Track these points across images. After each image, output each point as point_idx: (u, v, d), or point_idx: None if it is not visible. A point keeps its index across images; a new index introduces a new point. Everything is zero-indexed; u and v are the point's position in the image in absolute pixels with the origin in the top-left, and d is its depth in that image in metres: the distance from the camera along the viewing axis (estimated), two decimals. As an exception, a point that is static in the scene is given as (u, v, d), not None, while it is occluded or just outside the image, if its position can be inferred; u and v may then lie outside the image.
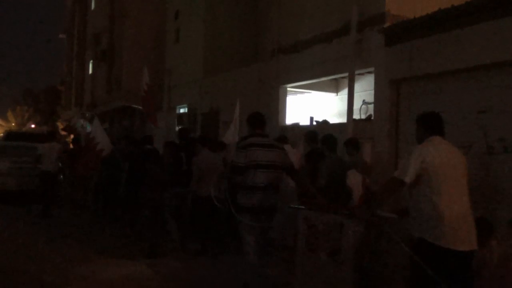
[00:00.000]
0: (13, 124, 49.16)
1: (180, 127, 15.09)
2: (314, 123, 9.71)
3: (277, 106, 10.82)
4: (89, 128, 10.57)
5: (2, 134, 20.97)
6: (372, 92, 8.35)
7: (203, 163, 6.63)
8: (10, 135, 16.97)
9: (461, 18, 6.50)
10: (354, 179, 5.29)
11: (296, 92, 11.22)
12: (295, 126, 10.45)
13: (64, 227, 8.75)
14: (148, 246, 6.75)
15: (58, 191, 11.07)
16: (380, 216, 3.65)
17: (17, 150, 12.35)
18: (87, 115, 18.81)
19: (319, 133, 6.89)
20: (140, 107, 19.24)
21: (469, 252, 3.27)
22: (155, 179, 6.98)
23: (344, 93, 9.94)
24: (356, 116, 8.82)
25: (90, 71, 26.95)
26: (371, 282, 4.15)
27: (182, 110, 15.81)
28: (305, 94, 11.35)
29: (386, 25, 7.81)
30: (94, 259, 6.34)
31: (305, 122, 10.39)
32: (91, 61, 26.57)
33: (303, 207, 4.06)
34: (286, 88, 10.82)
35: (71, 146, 12.43)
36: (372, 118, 8.40)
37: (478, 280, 3.45)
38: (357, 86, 8.69)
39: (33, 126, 48.68)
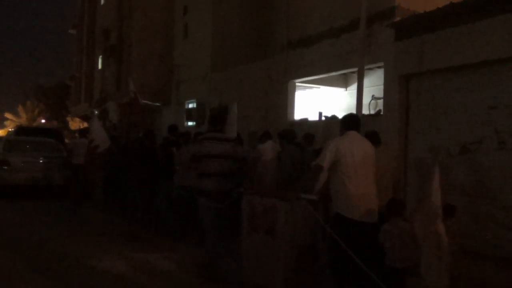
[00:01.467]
0: (23, 119, 49.56)
1: (187, 122, 15.15)
2: (323, 118, 9.70)
3: (286, 101, 10.81)
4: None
5: (12, 129, 21.13)
6: (382, 87, 8.31)
7: (183, 156, 7.04)
8: (20, 130, 17.11)
9: (472, 12, 6.44)
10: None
11: (305, 87, 11.19)
12: (304, 121, 10.43)
13: (83, 221, 8.84)
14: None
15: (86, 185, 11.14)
16: (304, 198, 4.41)
17: (30, 145, 12.46)
18: (96, 112, 18.97)
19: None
20: (149, 102, 19.38)
21: (371, 223, 4.06)
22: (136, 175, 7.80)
23: (353, 88, 9.89)
24: (365, 111, 8.78)
25: (100, 66, 27.07)
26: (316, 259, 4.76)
27: (190, 105, 15.84)
28: (314, 89, 11.32)
29: (396, 19, 7.75)
30: (108, 250, 6.39)
31: (314, 117, 10.37)
32: (100, 56, 26.68)
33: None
34: (294, 83, 10.80)
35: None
36: (382, 113, 8.36)
37: (383, 252, 4.11)
38: (366, 81, 8.64)
39: (43, 121, 49.08)
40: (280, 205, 4.57)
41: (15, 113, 51.56)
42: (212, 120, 5.68)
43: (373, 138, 5.23)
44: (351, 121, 4.49)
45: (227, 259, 5.42)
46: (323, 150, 4.25)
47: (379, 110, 8.78)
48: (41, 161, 11.53)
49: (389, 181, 5.23)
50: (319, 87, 11.14)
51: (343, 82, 10.96)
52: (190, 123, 15.17)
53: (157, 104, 19.11)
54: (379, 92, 8.78)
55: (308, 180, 4.61)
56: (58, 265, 5.68)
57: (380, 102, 8.75)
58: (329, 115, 9.98)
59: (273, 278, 4.58)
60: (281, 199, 4.61)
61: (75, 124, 36.09)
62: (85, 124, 21.32)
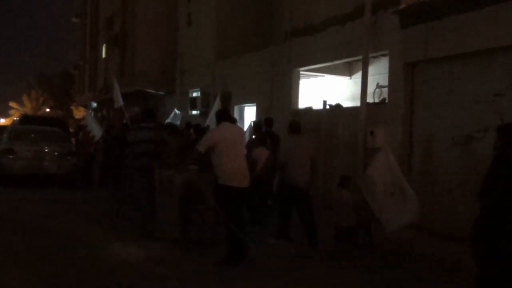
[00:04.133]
0: (28, 108, 49.69)
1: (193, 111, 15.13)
2: (327, 107, 9.66)
3: (290, 90, 10.77)
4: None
5: (17, 118, 21.21)
6: (386, 75, 8.26)
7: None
8: (25, 119, 17.16)
9: (478, -1, 6.36)
10: (260, 153, 7.22)
11: (309, 76, 11.13)
12: (308, 110, 10.40)
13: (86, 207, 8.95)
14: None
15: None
16: (190, 169, 5.88)
17: (35, 134, 12.50)
18: (94, 105, 19.10)
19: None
20: (153, 91, 19.36)
21: (244, 188, 5.47)
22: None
23: (357, 77, 9.84)
24: (369, 99, 8.74)
25: (103, 55, 27.03)
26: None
27: (195, 94, 15.82)
28: (318, 77, 11.26)
29: (401, 6, 7.67)
30: (114, 239, 6.46)
31: (318, 106, 10.33)
32: (104, 45, 26.62)
33: None
34: (299, 71, 10.75)
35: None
36: (386, 101, 8.33)
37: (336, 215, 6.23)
38: (371, 69, 8.59)
39: (47, 110, 49.21)
40: (175, 175, 6.28)
41: (20, 103, 51.70)
42: (144, 113, 7.45)
43: (295, 127, 6.58)
44: (223, 115, 5.83)
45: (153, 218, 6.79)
46: (202, 138, 5.70)
47: (384, 99, 8.74)
48: (46, 150, 11.58)
49: (307, 159, 6.43)
50: (323, 76, 11.08)
51: (347, 70, 10.89)
52: (194, 112, 15.17)
53: (161, 93, 19.09)
54: (384, 80, 8.73)
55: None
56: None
57: (385, 90, 8.70)
58: (334, 103, 9.94)
59: (172, 228, 6.29)
60: (176, 170, 6.30)
61: (80, 113, 36.16)
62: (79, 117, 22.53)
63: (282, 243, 6.35)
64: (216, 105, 11.89)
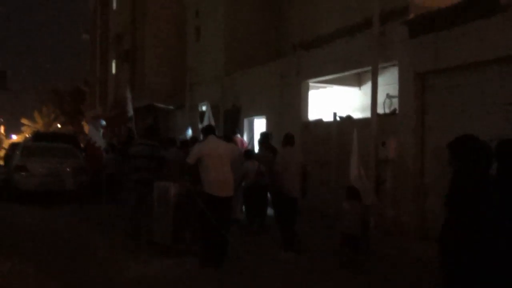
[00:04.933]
0: (39, 124, 50.21)
1: (204, 125, 15.16)
2: (338, 118, 9.63)
3: (299, 102, 10.76)
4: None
5: (30, 135, 21.45)
6: (396, 85, 8.23)
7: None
8: (38, 136, 17.32)
9: (487, 7, 6.34)
10: (251, 166, 8.21)
11: (318, 87, 11.13)
12: (319, 122, 10.38)
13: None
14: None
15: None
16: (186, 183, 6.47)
17: (47, 150, 12.61)
18: (103, 123, 19.53)
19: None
20: (163, 105, 19.50)
21: (226, 197, 5.97)
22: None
23: (367, 87, 9.81)
24: (380, 110, 8.71)
25: (113, 71, 27.31)
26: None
27: (204, 108, 15.87)
28: (328, 88, 11.26)
29: (410, 17, 7.67)
30: (120, 257, 6.43)
31: (328, 117, 10.31)
32: (114, 61, 26.92)
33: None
34: (308, 83, 10.75)
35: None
36: (397, 112, 8.28)
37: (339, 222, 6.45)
38: (380, 80, 8.57)
39: (59, 126, 49.66)
40: (170, 187, 6.75)
41: (32, 119, 52.26)
42: (146, 130, 8.13)
43: (291, 139, 6.95)
44: (209, 130, 6.47)
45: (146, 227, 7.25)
46: (191, 152, 6.21)
47: (394, 109, 8.69)
48: (58, 166, 11.67)
49: (298, 169, 6.83)
50: (332, 87, 11.08)
51: (356, 81, 10.87)
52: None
53: (171, 107, 19.20)
54: (394, 91, 8.70)
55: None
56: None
57: (395, 100, 8.67)
58: (344, 115, 9.91)
59: (166, 236, 6.67)
60: (172, 183, 6.81)
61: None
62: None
63: (290, 256, 6.41)
64: (207, 119, 12.65)
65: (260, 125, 12.91)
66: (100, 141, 12.46)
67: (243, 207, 8.98)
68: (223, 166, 5.98)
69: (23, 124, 52.60)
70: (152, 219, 7.05)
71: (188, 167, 6.07)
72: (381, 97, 9.05)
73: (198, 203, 5.97)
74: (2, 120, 38.84)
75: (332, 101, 11.34)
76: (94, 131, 13.02)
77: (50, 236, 7.71)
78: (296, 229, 6.72)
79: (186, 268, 5.84)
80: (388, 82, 9.29)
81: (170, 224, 6.64)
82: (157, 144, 7.86)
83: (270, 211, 8.14)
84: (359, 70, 9.67)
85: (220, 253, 5.90)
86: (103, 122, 20.30)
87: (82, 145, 17.24)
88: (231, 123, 13.63)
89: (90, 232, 8.02)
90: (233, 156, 6.31)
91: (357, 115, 10.09)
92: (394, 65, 8.53)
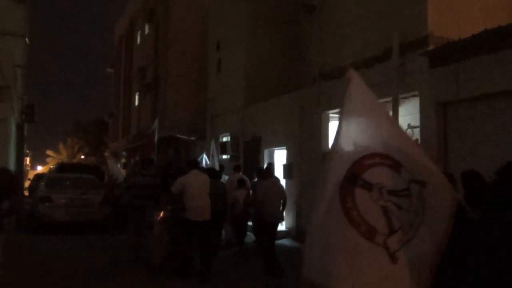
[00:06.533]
0: (64, 155, 51.18)
1: (223, 156, 15.25)
2: (358, 148, 9.58)
3: (320, 132, 10.77)
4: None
5: (54, 166, 21.87)
6: (417, 115, 8.18)
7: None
8: (62, 167, 17.63)
9: (507, 37, 6.33)
10: (239, 193, 9.22)
11: (338, 118, 11.13)
12: (339, 152, 10.32)
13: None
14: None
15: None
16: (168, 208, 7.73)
17: (71, 181, 12.82)
18: (124, 154, 20.16)
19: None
20: (185, 136, 19.74)
21: (204, 220, 7.11)
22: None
23: (388, 117, 9.77)
24: (401, 140, 8.63)
25: (136, 103, 27.89)
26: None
27: (225, 139, 16.01)
28: (348, 119, 11.24)
29: (429, 47, 7.69)
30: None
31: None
32: (137, 93, 27.53)
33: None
34: (328, 114, 10.78)
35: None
36: (419, 142, 8.20)
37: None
38: (401, 110, 8.54)
39: (82, 157, 50.54)
40: (156, 213, 8.45)
41: (56, 150, 53.35)
42: (143, 162, 9.51)
43: (268, 172, 8.16)
44: (193, 163, 7.66)
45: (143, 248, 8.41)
46: (175, 183, 7.25)
47: (416, 139, 8.62)
48: (81, 197, 11.82)
49: (280, 198, 7.88)
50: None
51: (377, 112, 10.84)
52: (224, 156, 15.30)
53: (192, 138, 19.42)
54: (415, 121, 8.64)
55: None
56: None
57: (417, 131, 8.60)
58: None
59: (157, 256, 7.96)
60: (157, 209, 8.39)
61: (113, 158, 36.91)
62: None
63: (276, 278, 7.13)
64: (213, 150, 13.68)
65: (280, 156, 12.92)
66: (119, 175, 13.01)
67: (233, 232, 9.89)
68: (202, 195, 7.15)
69: (48, 155, 53.71)
70: (148, 241, 8.47)
71: (173, 195, 7.17)
72: (402, 127, 9.01)
73: (175, 228, 7.30)
74: (28, 152, 39.70)
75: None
76: (114, 166, 14.13)
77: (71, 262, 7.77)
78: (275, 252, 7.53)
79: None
80: (410, 113, 9.24)
81: (158, 248, 8.07)
82: (154, 174, 8.90)
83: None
84: (379, 101, 9.65)
85: (205, 269, 6.95)
86: (124, 154, 20.79)
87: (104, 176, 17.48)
88: (252, 155, 13.68)
89: (91, 258, 8.56)
90: (208, 186, 7.36)
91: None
92: (414, 95, 8.51)
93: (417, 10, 8.15)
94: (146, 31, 26.20)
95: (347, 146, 3.33)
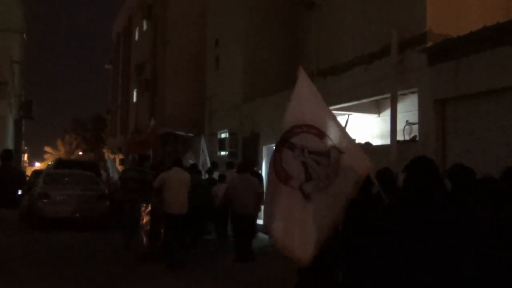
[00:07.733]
0: (62, 152, 51.12)
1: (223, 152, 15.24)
2: (357, 145, 9.58)
3: (318, 129, 10.74)
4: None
5: (52, 162, 21.77)
6: (415, 112, 8.20)
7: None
8: (59, 163, 17.58)
9: (505, 34, 6.33)
10: (219, 188, 9.63)
11: (337, 114, 11.10)
12: (337, 148, 10.32)
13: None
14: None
15: None
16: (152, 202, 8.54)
17: (69, 178, 12.79)
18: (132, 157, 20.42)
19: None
20: (183, 133, 19.72)
21: (183, 214, 7.60)
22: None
23: (386, 114, 9.78)
24: (399, 137, 8.65)
25: (134, 100, 27.83)
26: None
27: (223, 135, 16.01)
28: (346, 116, 11.23)
29: (428, 44, 7.69)
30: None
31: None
32: (135, 90, 27.46)
33: None
34: (326, 110, 10.75)
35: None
36: (417, 139, 8.22)
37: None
38: (400, 107, 8.55)
39: (80, 153, 50.51)
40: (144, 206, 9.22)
41: (54, 147, 53.29)
42: (139, 158, 10.16)
43: (245, 166, 8.76)
44: (176, 161, 8.18)
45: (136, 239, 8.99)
46: (157, 179, 7.79)
47: (415, 136, 8.63)
48: (79, 193, 11.79)
49: (252, 192, 8.25)
50: (351, 114, 11.05)
51: (375, 108, 10.85)
52: (223, 153, 15.30)
53: (190, 134, 19.40)
54: (413, 117, 8.66)
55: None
56: None
57: (415, 127, 8.61)
58: (363, 142, 9.86)
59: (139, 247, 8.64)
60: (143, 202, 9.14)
61: (111, 155, 36.92)
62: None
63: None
64: (203, 147, 13.75)
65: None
66: (114, 172, 14.04)
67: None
68: (180, 190, 7.60)
69: (46, 152, 53.66)
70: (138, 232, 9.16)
71: (154, 190, 7.77)
72: (400, 124, 9.01)
73: (159, 219, 7.98)
74: (26, 148, 39.63)
75: (350, 128, 11.29)
76: (111, 163, 15.20)
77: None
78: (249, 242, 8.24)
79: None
80: (408, 109, 9.26)
81: (141, 240, 8.92)
82: (145, 170, 9.44)
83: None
84: (378, 97, 9.67)
85: (179, 257, 7.45)
86: (119, 150, 21.08)
87: (103, 172, 17.46)
88: (250, 151, 13.68)
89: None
90: (188, 182, 7.76)
91: (376, 142, 10.03)
92: (413, 92, 8.52)
93: (416, 7, 8.16)
94: (144, 27, 26.10)
95: (287, 118, 4.71)
